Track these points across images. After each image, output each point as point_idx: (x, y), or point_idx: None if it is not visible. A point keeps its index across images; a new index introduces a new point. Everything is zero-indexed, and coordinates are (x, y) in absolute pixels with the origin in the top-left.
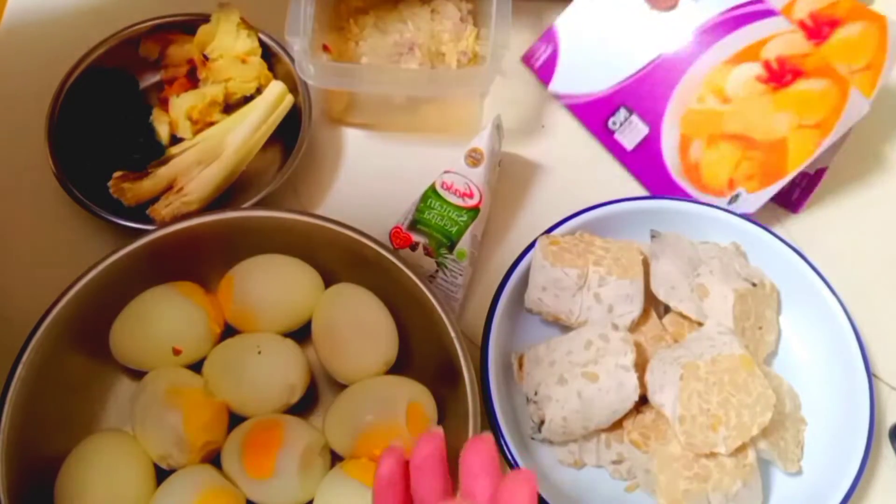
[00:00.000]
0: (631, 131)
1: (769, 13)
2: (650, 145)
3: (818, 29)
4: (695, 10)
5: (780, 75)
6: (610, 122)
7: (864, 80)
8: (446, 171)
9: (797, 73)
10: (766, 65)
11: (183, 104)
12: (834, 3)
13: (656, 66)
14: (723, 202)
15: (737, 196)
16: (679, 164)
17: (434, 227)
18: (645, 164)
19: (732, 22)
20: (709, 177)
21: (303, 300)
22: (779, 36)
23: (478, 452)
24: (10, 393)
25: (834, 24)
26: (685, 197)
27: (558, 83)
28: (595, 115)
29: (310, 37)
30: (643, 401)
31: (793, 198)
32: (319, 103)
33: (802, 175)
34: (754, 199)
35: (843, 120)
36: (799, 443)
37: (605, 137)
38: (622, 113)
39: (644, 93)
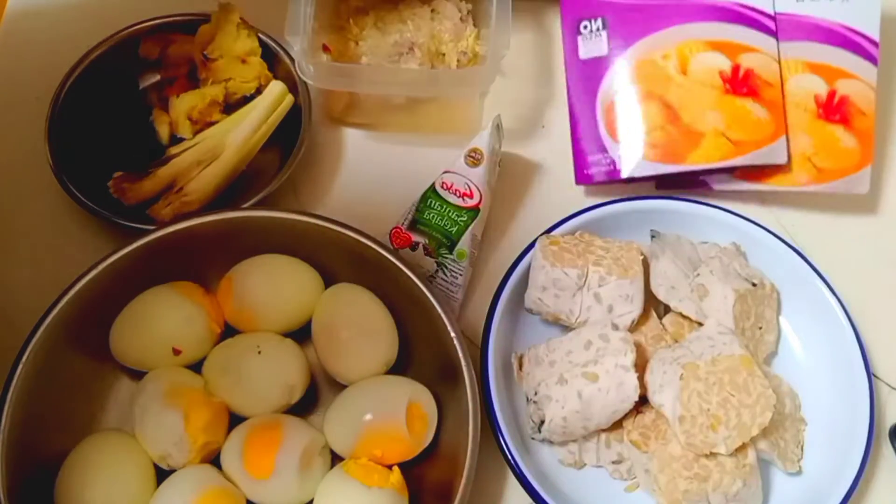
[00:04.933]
0: (593, 42)
1: (770, 32)
2: (599, 64)
3: (830, 104)
4: None
5: (739, 84)
6: (582, 25)
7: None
8: (446, 171)
9: (752, 92)
10: (735, 68)
11: (183, 104)
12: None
13: (662, 5)
14: (616, 149)
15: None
16: (610, 95)
17: (434, 227)
18: (583, 76)
19: (738, 15)
20: (622, 123)
21: (303, 300)
22: (762, 54)
23: None
24: (10, 392)
25: (842, 113)
26: (685, 197)
27: None
28: (577, 7)
29: (310, 37)
30: (643, 401)
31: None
32: (319, 103)
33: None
34: (644, 166)
35: (758, 155)
36: (799, 443)
37: (569, 34)
38: (598, 22)
39: (629, 19)
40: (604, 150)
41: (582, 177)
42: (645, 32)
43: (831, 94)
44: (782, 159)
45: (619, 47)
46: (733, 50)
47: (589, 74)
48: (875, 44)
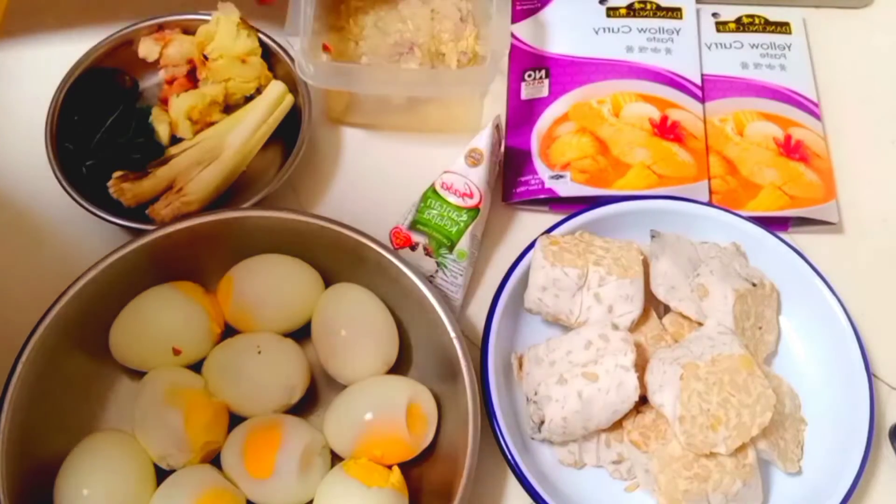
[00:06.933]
0: (535, 87)
1: (697, 98)
2: (539, 103)
3: (788, 145)
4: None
5: (667, 130)
6: (527, 74)
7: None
8: (446, 171)
9: (678, 139)
10: (664, 118)
11: (183, 104)
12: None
13: (601, 63)
14: (546, 172)
15: (561, 176)
16: (545, 127)
17: (434, 227)
18: (522, 112)
19: (669, 80)
20: (556, 150)
21: (303, 300)
22: (689, 112)
23: None
24: (10, 393)
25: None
26: (685, 197)
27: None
28: (524, 62)
29: (310, 37)
30: (643, 401)
31: None
32: (319, 103)
33: None
34: (571, 187)
35: (681, 189)
36: (799, 443)
37: (514, 80)
38: (542, 72)
39: (570, 72)
40: (534, 171)
41: (509, 195)
42: (584, 82)
43: (788, 137)
44: (704, 198)
45: (559, 92)
46: (663, 104)
47: (528, 111)
48: (815, 103)
